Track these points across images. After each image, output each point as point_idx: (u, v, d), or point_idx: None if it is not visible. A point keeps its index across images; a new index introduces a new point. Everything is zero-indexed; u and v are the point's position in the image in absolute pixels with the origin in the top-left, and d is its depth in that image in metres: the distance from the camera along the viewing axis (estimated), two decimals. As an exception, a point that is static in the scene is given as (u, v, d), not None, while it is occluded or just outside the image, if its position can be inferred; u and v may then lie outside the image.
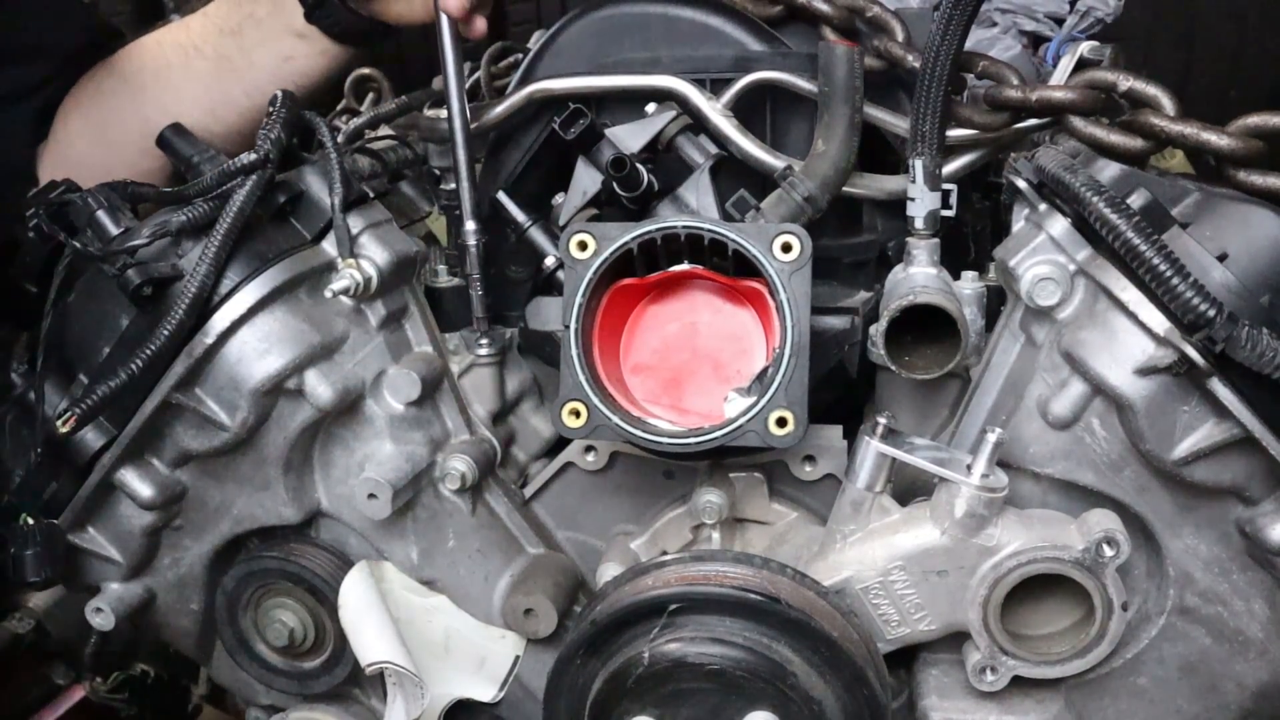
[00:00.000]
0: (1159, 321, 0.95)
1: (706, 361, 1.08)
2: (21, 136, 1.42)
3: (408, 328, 1.22)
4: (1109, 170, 1.02)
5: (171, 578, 1.24)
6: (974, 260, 1.13)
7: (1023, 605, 1.04)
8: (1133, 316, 0.97)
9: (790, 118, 1.20)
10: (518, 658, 1.23)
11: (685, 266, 1.06)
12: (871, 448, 1.04)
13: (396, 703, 1.20)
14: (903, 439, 1.05)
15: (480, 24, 1.25)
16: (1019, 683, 1.06)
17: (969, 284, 1.10)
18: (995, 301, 1.11)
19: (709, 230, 1.01)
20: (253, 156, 1.09)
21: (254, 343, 1.09)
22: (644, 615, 0.99)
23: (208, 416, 1.10)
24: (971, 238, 1.30)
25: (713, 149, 1.16)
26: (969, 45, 1.10)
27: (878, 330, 1.05)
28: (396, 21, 1.32)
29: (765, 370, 1.03)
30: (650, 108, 1.18)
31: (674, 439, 1.01)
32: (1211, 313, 0.89)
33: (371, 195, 1.21)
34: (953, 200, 1.12)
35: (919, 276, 1.06)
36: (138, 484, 1.15)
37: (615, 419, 1.01)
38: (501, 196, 1.22)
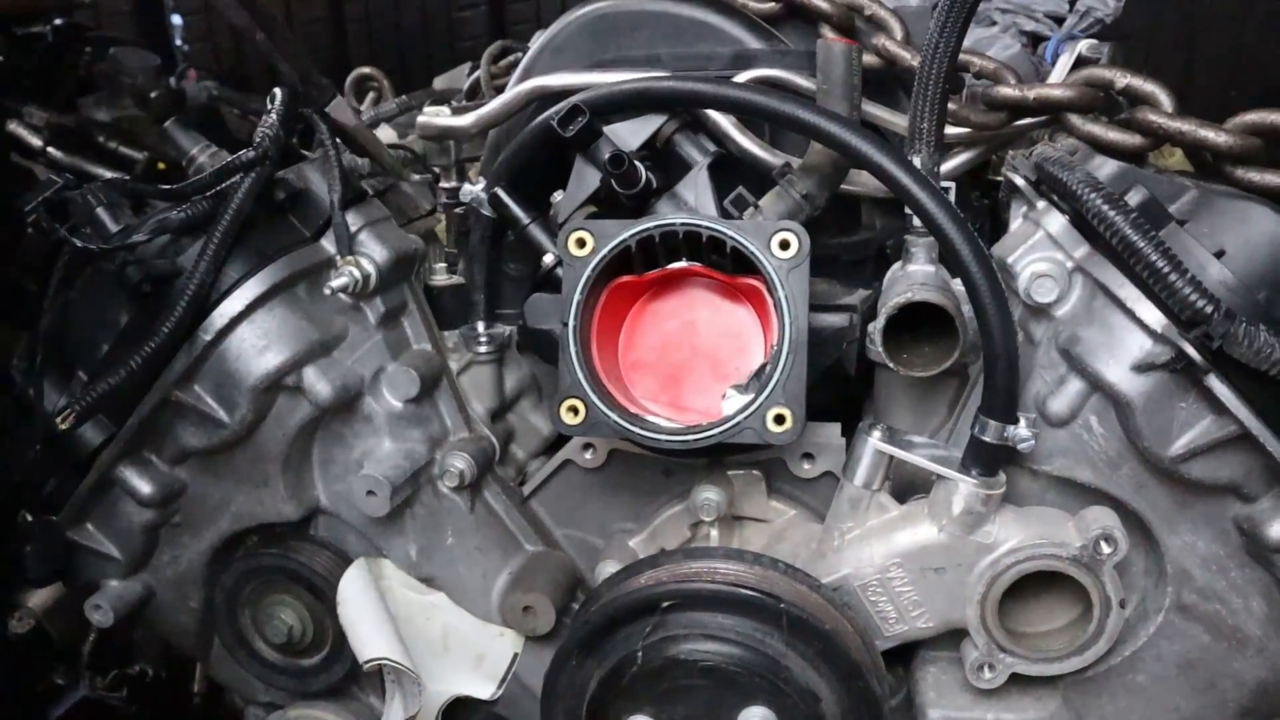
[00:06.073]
0: (1156, 318, 0.95)
1: (705, 359, 1.08)
2: None
3: (406, 325, 1.22)
4: (1107, 167, 1.02)
5: (170, 575, 1.24)
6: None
7: (1020, 602, 1.04)
8: (1130, 313, 0.97)
9: (789, 116, 1.20)
10: (516, 655, 1.23)
11: (684, 264, 1.06)
12: (870, 445, 1.04)
13: (394, 700, 1.20)
14: (901, 437, 1.05)
15: None
16: (1017, 680, 1.06)
17: (967, 282, 1.10)
18: (993, 300, 1.11)
19: (707, 227, 1.01)
20: (252, 153, 1.09)
21: (253, 339, 1.09)
22: (637, 613, 0.99)
23: (207, 413, 1.11)
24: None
25: (711, 147, 1.16)
26: (968, 44, 1.10)
27: (876, 328, 1.05)
28: None
29: (763, 367, 1.03)
30: (649, 105, 1.18)
31: (672, 436, 1.01)
32: (1209, 309, 0.89)
33: (370, 193, 1.21)
34: (951, 198, 1.12)
35: (917, 274, 1.06)
36: (137, 481, 1.15)
37: (613, 416, 1.01)
38: (501, 193, 1.22)
